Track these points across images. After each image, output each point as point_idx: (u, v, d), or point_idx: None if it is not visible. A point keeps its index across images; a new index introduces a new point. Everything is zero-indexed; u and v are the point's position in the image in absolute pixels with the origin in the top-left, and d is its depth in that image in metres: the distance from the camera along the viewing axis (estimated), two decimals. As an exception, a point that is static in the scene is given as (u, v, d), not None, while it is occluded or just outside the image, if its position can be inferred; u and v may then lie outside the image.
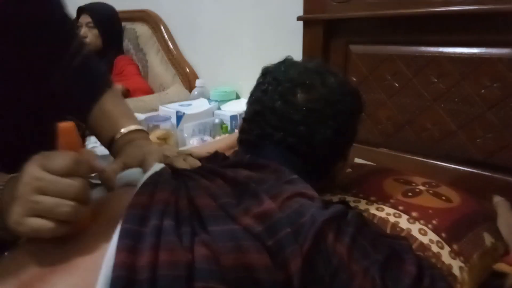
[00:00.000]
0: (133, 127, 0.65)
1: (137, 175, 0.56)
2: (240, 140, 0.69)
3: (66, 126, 0.45)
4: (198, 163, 0.62)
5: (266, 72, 0.68)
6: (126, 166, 0.58)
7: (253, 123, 0.66)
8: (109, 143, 0.65)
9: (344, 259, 0.45)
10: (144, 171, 0.56)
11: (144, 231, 0.43)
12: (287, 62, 0.68)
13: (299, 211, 0.48)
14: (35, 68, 0.55)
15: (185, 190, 0.50)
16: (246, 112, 0.69)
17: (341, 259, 0.45)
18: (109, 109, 0.66)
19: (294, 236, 0.45)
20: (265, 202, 0.48)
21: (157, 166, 0.54)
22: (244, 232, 0.45)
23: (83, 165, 0.44)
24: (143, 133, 0.67)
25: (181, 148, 1.14)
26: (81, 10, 1.84)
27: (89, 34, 1.81)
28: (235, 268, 0.42)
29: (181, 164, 0.59)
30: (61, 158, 0.43)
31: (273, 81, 0.65)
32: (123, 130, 0.64)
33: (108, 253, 0.41)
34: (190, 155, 0.65)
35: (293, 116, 0.62)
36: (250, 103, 0.69)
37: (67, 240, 0.44)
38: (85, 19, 1.81)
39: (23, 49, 0.53)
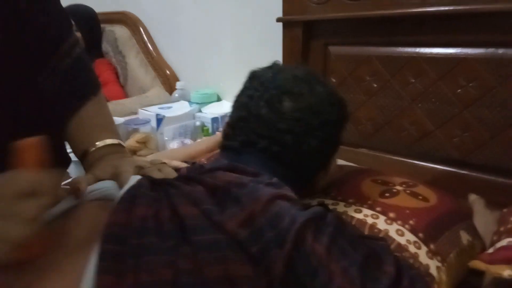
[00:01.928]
0: (109, 141, 0.62)
1: (110, 189, 0.53)
2: (223, 146, 0.67)
3: (29, 142, 0.41)
4: (174, 173, 0.60)
5: (253, 77, 0.67)
6: (98, 179, 0.55)
7: (238, 129, 0.65)
8: (82, 155, 0.62)
9: (323, 259, 0.45)
10: (119, 185, 0.53)
11: (124, 251, 0.41)
12: (275, 68, 0.67)
13: (279, 214, 0.47)
14: (21, 68, 0.53)
15: (167, 199, 0.49)
16: (231, 117, 0.68)
17: (320, 259, 0.45)
18: (87, 119, 0.62)
19: (276, 239, 0.44)
20: (248, 206, 0.47)
21: (133, 179, 0.52)
22: (228, 241, 0.44)
23: (43, 186, 0.40)
24: (119, 147, 0.64)
25: (160, 152, 1.13)
26: None
27: None
28: (219, 279, 0.41)
29: (156, 175, 0.57)
30: (15, 179, 0.39)
31: (260, 87, 0.64)
32: (98, 143, 0.61)
33: (86, 275, 0.39)
34: (164, 163, 0.63)
35: (279, 124, 0.61)
36: (235, 108, 0.67)
37: (37, 262, 0.42)
38: None
39: (8, 48, 0.51)
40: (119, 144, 0.63)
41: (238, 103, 0.67)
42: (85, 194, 0.51)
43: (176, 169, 0.63)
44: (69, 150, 0.65)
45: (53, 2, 0.59)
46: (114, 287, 0.39)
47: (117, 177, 0.54)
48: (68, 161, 0.64)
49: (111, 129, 0.65)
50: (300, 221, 0.46)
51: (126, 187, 0.50)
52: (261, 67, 0.69)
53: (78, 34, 1.78)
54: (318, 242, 0.46)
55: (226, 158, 0.64)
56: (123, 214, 0.45)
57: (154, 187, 0.52)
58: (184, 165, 0.68)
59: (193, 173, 0.59)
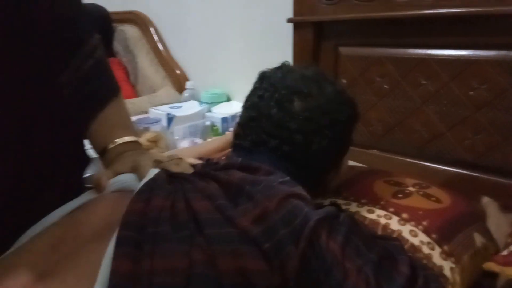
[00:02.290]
0: (127, 138, 0.63)
1: (130, 181, 0.55)
2: (234, 145, 0.68)
3: None
4: (190, 168, 0.61)
5: (263, 77, 0.68)
6: (117, 174, 0.57)
7: (248, 128, 0.65)
8: (101, 152, 0.64)
9: (337, 256, 0.45)
10: (138, 177, 0.55)
11: (141, 238, 0.42)
12: (285, 68, 0.68)
13: (293, 212, 0.48)
14: (43, 70, 0.54)
15: (182, 193, 0.50)
16: (241, 117, 0.68)
17: (334, 257, 0.45)
18: (108, 119, 0.64)
19: (290, 237, 0.45)
20: (261, 203, 0.48)
21: (152, 172, 0.53)
22: (241, 236, 0.45)
23: None
24: (137, 144, 0.66)
25: (171, 151, 1.13)
26: None
27: None
28: (231, 272, 0.42)
29: (174, 169, 0.59)
30: None
31: (270, 87, 0.65)
32: (117, 140, 0.63)
33: (104, 261, 0.40)
34: (181, 158, 0.64)
35: (289, 124, 0.62)
36: (245, 108, 0.68)
37: (60, 245, 0.44)
38: None
39: (29, 50, 0.51)
40: (137, 142, 0.65)
41: (249, 103, 0.68)
42: (107, 188, 0.53)
43: (192, 165, 0.64)
44: (88, 147, 0.67)
45: (75, 3, 0.60)
46: (130, 272, 0.40)
47: (136, 170, 0.56)
48: (87, 160, 0.65)
49: (130, 127, 0.67)
50: (314, 219, 0.46)
51: (145, 179, 0.52)
52: (271, 68, 0.70)
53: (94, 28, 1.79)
54: (333, 240, 0.46)
55: (238, 157, 0.64)
56: (141, 204, 0.47)
57: (171, 180, 0.54)
58: (199, 162, 0.69)
59: (208, 170, 0.60)
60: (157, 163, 0.59)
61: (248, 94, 0.69)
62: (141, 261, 0.40)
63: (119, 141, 0.62)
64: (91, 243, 0.44)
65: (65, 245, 0.44)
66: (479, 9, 0.85)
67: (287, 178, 0.56)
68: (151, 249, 0.41)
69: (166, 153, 1.07)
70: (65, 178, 0.58)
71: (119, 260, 0.40)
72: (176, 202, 0.48)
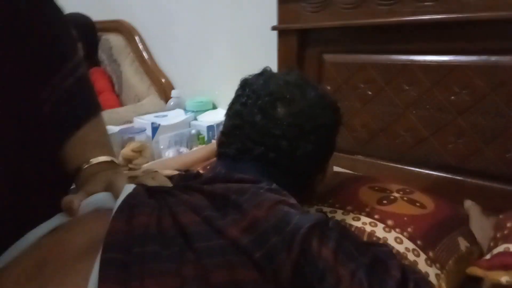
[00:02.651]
0: (102, 158, 0.60)
1: (105, 200, 0.52)
2: (219, 154, 0.68)
3: None
4: (167, 181, 0.59)
5: (245, 84, 0.67)
6: (90, 194, 0.54)
7: (232, 136, 0.65)
8: (75, 172, 0.60)
9: (330, 262, 0.45)
10: (114, 196, 0.52)
11: (128, 259, 0.41)
12: (266, 74, 0.68)
13: (284, 219, 0.48)
14: (23, 85, 0.52)
15: (167, 207, 0.49)
16: (225, 125, 0.68)
17: (327, 263, 0.45)
18: (83, 137, 0.61)
19: (281, 244, 0.45)
20: (249, 212, 0.47)
21: (129, 188, 0.52)
22: (231, 246, 0.44)
23: None
24: (112, 164, 0.62)
25: (153, 163, 1.12)
26: None
27: None
28: (225, 285, 0.41)
29: (150, 183, 0.57)
30: None
31: (253, 94, 0.64)
32: (92, 160, 0.59)
33: (90, 285, 0.39)
34: (156, 172, 0.62)
35: (273, 130, 0.61)
36: (228, 116, 0.68)
37: (44, 267, 0.42)
38: None
39: (11, 64, 0.50)
40: (113, 161, 0.62)
41: (232, 111, 0.68)
42: (80, 211, 0.50)
43: (169, 178, 0.63)
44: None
45: (60, 18, 0.59)
46: None
47: (110, 188, 0.53)
48: (66, 182, 0.62)
49: (106, 147, 0.64)
50: (306, 226, 0.46)
51: (123, 195, 0.50)
52: (252, 74, 0.69)
53: (79, 45, 1.77)
54: (324, 246, 0.46)
55: (223, 166, 0.64)
56: (123, 222, 0.45)
57: (151, 194, 0.52)
58: (175, 173, 0.68)
59: (190, 182, 0.59)
60: (131, 179, 0.56)
61: (231, 102, 0.69)
62: (130, 284, 0.39)
63: (94, 161, 0.59)
64: (76, 264, 0.43)
65: (50, 266, 0.43)
66: (460, 15, 0.86)
67: (274, 185, 0.56)
68: (140, 270, 0.40)
69: (144, 166, 1.05)
70: (38, 198, 0.55)
71: (106, 284, 0.38)
72: (161, 218, 0.47)
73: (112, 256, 0.41)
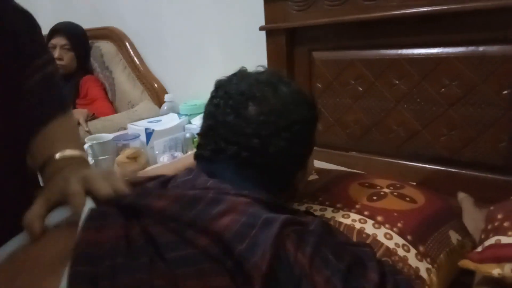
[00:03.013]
0: (69, 151, 0.58)
1: (67, 215, 0.51)
2: (196, 156, 0.68)
3: None
4: (121, 185, 0.55)
5: (219, 86, 0.67)
6: (50, 203, 0.52)
7: (207, 138, 0.65)
8: (41, 168, 0.59)
9: (305, 269, 0.45)
10: (71, 209, 0.50)
11: (97, 272, 0.40)
12: (239, 75, 0.68)
13: (248, 223, 0.47)
14: None
15: (135, 218, 0.48)
16: (201, 127, 0.68)
17: (302, 269, 0.45)
18: (50, 133, 0.60)
19: (249, 250, 0.44)
20: (213, 221, 0.47)
21: (90, 203, 0.50)
22: (203, 254, 0.44)
23: None
24: (80, 159, 0.61)
25: (146, 170, 1.12)
26: (55, 31, 1.79)
27: (65, 57, 1.77)
28: None
29: (101, 185, 0.53)
30: None
31: (225, 95, 0.64)
32: (57, 155, 0.58)
33: None
34: (112, 173, 0.59)
35: (245, 129, 0.61)
36: (203, 117, 0.68)
37: (16, 279, 0.42)
38: (60, 41, 1.77)
39: None
40: (80, 156, 0.61)
41: (206, 113, 0.68)
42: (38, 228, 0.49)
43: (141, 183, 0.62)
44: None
45: (28, 19, 0.60)
46: None
47: (65, 199, 0.51)
48: (33, 181, 0.62)
49: (74, 142, 0.63)
50: (276, 227, 0.46)
51: (86, 211, 0.48)
52: (226, 76, 0.69)
53: (71, 54, 1.78)
54: (301, 252, 0.46)
55: (199, 168, 0.64)
56: (92, 234, 0.44)
57: (116, 205, 0.51)
58: (143, 178, 0.66)
59: (156, 189, 0.59)
60: (83, 182, 0.53)
61: (206, 104, 0.69)
62: None
63: (58, 155, 0.58)
64: (48, 276, 0.42)
65: (23, 276, 0.42)
66: (445, 7, 0.85)
67: (241, 190, 0.55)
68: (110, 284, 0.39)
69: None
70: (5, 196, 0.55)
71: None
72: (130, 229, 0.46)
73: (81, 269, 0.40)
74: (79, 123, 1.45)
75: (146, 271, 0.41)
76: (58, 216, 0.51)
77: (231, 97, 0.63)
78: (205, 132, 0.66)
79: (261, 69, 0.71)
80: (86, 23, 1.89)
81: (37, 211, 0.51)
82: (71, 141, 0.62)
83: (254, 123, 0.61)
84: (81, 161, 0.61)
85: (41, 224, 0.49)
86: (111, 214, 0.48)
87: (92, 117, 1.55)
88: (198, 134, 0.69)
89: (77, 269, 0.40)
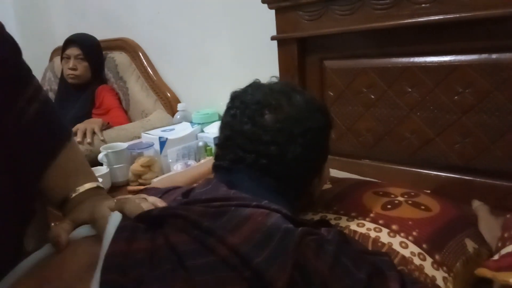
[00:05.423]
0: (88, 185, 0.59)
1: (92, 230, 0.52)
2: (214, 166, 0.69)
3: None
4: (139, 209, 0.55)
5: (234, 97, 0.69)
6: (75, 223, 0.53)
7: (225, 148, 0.66)
8: (61, 202, 0.59)
9: (326, 278, 0.45)
10: (99, 220, 0.51)
11: (124, 281, 0.42)
12: (254, 85, 0.69)
13: (267, 234, 0.48)
14: None
15: (160, 230, 0.49)
16: (218, 138, 0.69)
17: (322, 278, 0.45)
18: (63, 166, 0.59)
19: (267, 262, 0.44)
20: (225, 239, 0.47)
21: (118, 217, 0.51)
22: (222, 263, 0.44)
23: None
24: (98, 190, 0.61)
25: (162, 178, 1.14)
26: (69, 42, 1.83)
27: (79, 67, 1.80)
28: None
29: (134, 204, 0.54)
30: None
31: (241, 105, 0.66)
32: (78, 189, 0.58)
33: None
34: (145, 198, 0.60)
35: (262, 137, 0.62)
36: (220, 128, 0.69)
37: (44, 286, 0.43)
38: (74, 51, 1.80)
39: None
40: (98, 187, 0.62)
41: (223, 124, 0.69)
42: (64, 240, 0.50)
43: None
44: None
45: (11, 44, 0.56)
46: None
47: (95, 213, 0.52)
48: (34, 212, 0.60)
49: (89, 172, 0.64)
50: (296, 240, 0.46)
51: (115, 221, 0.49)
52: (241, 88, 0.71)
53: (86, 64, 1.81)
54: (320, 260, 0.46)
55: (219, 178, 0.65)
56: (122, 246, 0.45)
57: (143, 220, 0.52)
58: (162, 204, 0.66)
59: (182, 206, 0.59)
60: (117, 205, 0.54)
61: (222, 115, 0.70)
62: None
63: (81, 189, 0.58)
64: (77, 283, 0.43)
65: (52, 284, 0.44)
66: (457, 15, 0.85)
67: (264, 201, 0.56)
68: None
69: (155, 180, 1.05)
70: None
71: None
72: (155, 239, 0.47)
73: (111, 277, 0.41)
74: (94, 132, 1.47)
75: (166, 280, 0.42)
76: (82, 232, 0.53)
77: (247, 107, 0.65)
78: (223, 142, 0.67)
79: (274, 79, 0.73)
80: (101, 35, 1.93)
81: (63, 226, 0.52)
82: (87, 172, 0.62)
83: (271, 131, 0.62)
84: (100, 191, 0.62)
85: (67, 237, 0.50)
86: (140, 228, 0.50)
87: (107, 126, 1.58)
88: (216, 145, 0.70)
89: (108, 277, 0.41)
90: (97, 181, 0.63)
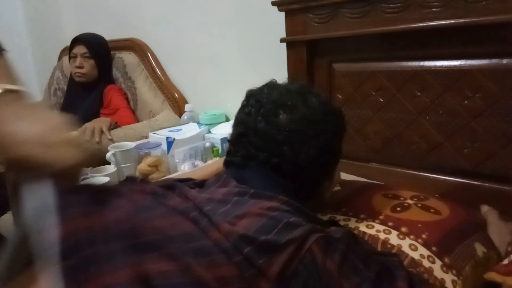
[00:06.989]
0: (9, 86, 0.52)
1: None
2: (226, 162, 0.69)
3: None
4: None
5: (250, 95, 0.69)
6: None
7: (238, 144, 0.67)
8: None
9: (334, 276, 0.45)
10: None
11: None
12: (270, 85, 0.69)
13: (267, 225, 0.49)
14: None
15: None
16: (231, 134, 0.70)
17: (331, 276, 0.45)
18: None
19: (264, 249, 0.46)
20: (220, 225, 0.49)
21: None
22: (214, 246, 0.47)
23: None
24: (19, 94, 0.54)
25: (166, 177, 1.14)
26: (75, 41, 1.85)
27: (85, 65, 1.82)
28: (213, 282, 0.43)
29: None
30: None
31: (256, 103, 0.66)
32: None
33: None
34: None
35: (276, 136, 0.63)
36: (234, 125, 0.70)
37: None
38: (81, 49, 1.82)
39: None
40: (19, 91, 0.54)
41: (237, 121, 0.70)
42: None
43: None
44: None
45: None
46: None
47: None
48: None
49: (12, 78, 0.56)
50: (300, 234, 0.48)
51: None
52: (257, 86, 0.71)
53: (92, 62, 1.83)
54: (329, 258, 0.46)
55: (230, 174, 0.65)
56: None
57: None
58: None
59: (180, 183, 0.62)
60: None
61: (237, 112, 0.71)
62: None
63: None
64: None
65: None
66: (467, 20, 0.86)
67: (268, 193, 0.58)
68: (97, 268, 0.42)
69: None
70: None
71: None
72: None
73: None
74: (102, 132, 1.48)
75: (136, 255, 0.43)
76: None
77: (262, 106, 0.65)
78: (236, 139, 0.68)
79: (290, 80, 0.73)
80: (110, 35, 1.94)
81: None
82: (8, 77, 0.55)
83: (284, 131, 0.62)
84: (20, 96, 0.54)
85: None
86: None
87: (115, 125, 1.58)
88: (228, 141, 0.71)
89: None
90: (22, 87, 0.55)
